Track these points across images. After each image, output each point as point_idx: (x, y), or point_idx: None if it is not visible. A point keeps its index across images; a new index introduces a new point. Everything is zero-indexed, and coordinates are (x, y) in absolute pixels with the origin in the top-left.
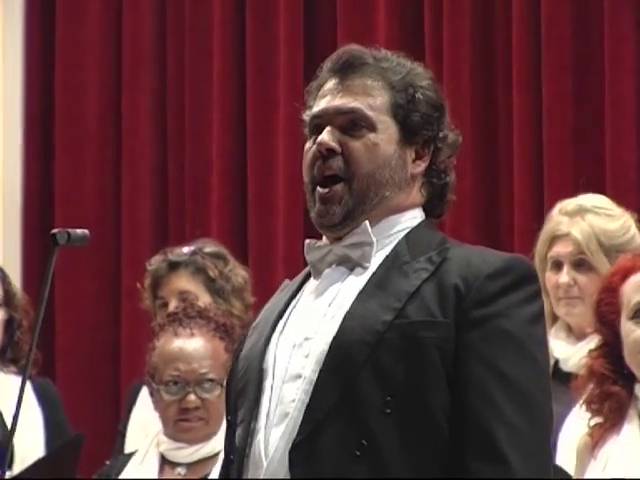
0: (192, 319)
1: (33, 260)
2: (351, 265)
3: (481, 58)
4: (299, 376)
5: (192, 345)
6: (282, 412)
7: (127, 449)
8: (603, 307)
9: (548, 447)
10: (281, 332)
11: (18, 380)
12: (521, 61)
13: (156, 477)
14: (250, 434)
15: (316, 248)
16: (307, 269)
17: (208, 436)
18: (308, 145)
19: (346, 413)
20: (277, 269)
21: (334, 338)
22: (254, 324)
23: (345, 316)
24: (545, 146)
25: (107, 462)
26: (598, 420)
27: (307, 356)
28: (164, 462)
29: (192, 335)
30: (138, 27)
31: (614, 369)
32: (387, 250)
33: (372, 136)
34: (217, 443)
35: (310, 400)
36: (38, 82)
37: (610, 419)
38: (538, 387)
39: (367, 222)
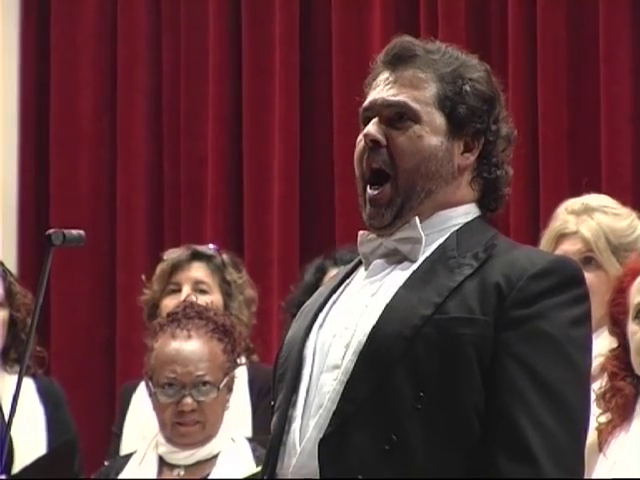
0: (190, 320)
1: (29, 260)
2: (400, 258)
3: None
4: (337, 366)
5: (189, 347)
6: (319, 403)
7: (124, 450)
8: (614, 308)
9: (579, 449)
10: (324, 320)
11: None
12: (516, 60)
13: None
14: (287, 422)
15: (368, 241)
16: (358, 258)
17: (205, 440)
18: (359, 138)
19: (378, 407)
20: (272, 267)
21: (372, 330)
22: (303, 308)
23: (385, 308)
24: (540, 146)
25: (106, 463)
26: (607, 417)
27: (346, 346)
28: (163, 464)
29: (189, 337)
30: (133, 26)
31: (625, 368)
32: (437, 244)
33: (417, 128)
34: (215, 445)
35: (343, 391)
36: (33, 81)
37: (617, 415)
38: (574, 390)
39: (417, 218)
